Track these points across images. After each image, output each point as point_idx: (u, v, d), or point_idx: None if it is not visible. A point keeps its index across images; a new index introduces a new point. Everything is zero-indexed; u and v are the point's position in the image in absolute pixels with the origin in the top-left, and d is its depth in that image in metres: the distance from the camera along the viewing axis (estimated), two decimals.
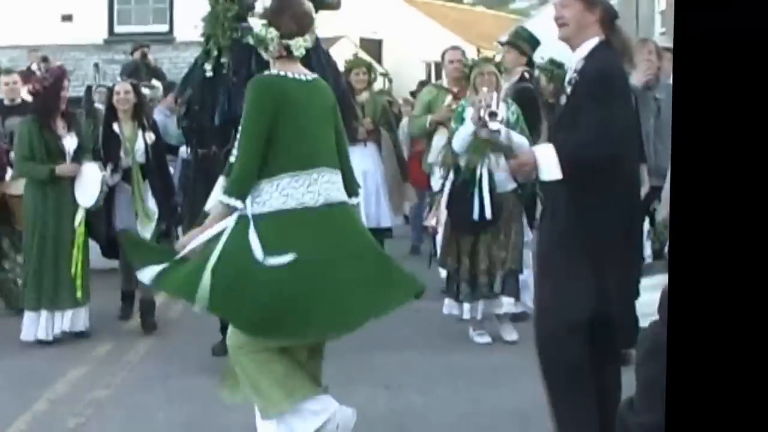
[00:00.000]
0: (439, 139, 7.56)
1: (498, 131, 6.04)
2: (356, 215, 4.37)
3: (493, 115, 5.99)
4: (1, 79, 8.85)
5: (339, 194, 4.17)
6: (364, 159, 8.12)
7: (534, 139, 6.29)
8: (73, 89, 7.47)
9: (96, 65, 15.26)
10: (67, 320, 6.80)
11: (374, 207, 8.32)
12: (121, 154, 7.06)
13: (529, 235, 6.62)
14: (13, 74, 9.13)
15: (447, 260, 6.61)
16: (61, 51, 15.35)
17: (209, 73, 5.96)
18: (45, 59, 13.27)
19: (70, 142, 6.86)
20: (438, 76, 26.63)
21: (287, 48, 4.16)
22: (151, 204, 7.05)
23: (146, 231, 6.94)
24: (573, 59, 4.19)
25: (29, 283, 6.81)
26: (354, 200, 4.31)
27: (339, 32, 24.76)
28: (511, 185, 6.47)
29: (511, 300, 6.44)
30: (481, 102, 6.08)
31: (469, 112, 6.30)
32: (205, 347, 6.07)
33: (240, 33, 5.65)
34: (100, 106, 10.38)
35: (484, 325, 6.66)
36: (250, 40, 4.34)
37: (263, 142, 4.05)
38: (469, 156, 6.42)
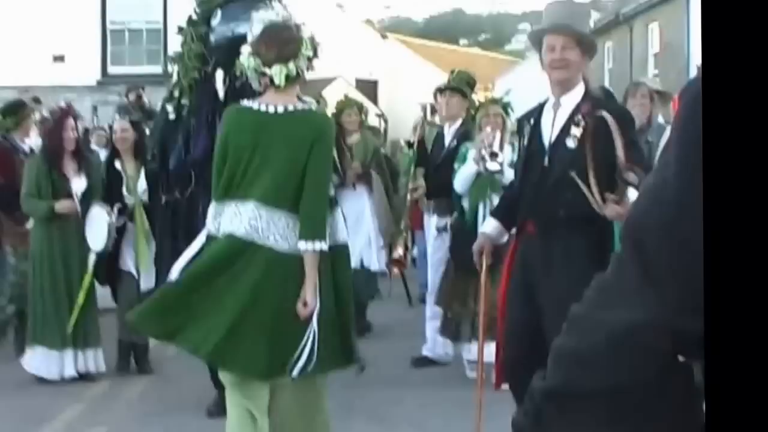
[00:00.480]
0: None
1: (499, 171, 6.01)
2: (265, 256, 3.96)
3: (493, 155, 5.98)
4: None
5: (239, 228, 3.94)
6: (353, 202, 8.13)
7: None
8: None
9: (95, 108, 15.19)
10: (99, 359, 6.82)
11: (364, 250, 8.22)
12: (124, 192, 6.99)
13: None
14: None
15: (450, 302, 6.56)
16: (53, 92, 15.24)
17: (171, 115, 5.71)
18: (37, 100, 13.15)
19: (78, 184, 6.79)
20: (434, 116, 26.61)
21: (270, 77, 4.02)
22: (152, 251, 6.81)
23: (147, 274, 6.70)
24: (564, 102, 4.24)
25: (48, 322, 6.70)
26: (308, 245, 3.92)
27: (335, 73, 24.75)
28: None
29: None
30: (483, 142, 6.04)
31: (472, 153, 6.29)
32: (202, 384, 5.99)
33: (202, 74, 5.48)
34: (96, 148, 10.26)
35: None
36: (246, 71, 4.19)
37: (214, 174, 4.11)
38: (471, 196, 6.41)
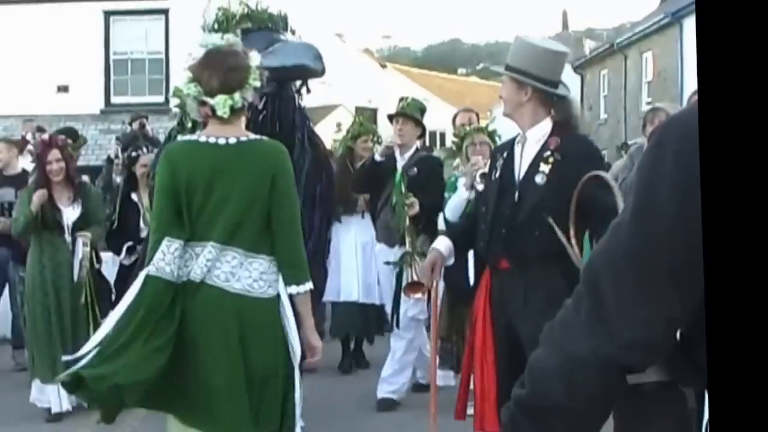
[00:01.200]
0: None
1: None
2: (218, 297, 3.56)
3: (484, 176, 5.96)
4: None
5: (198, 271, 3.54)
6: (361, 231, 7.96)
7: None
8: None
9: (117, 138, 15.27)
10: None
11: (373, 285, 7.93)
12: (141, 224, 6.96)
13: None
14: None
15: (449, 333, 6.54)
16: (56, 121, 15.37)
17: None
18: (40, 129, 13.28)
19: (71, 214, 6.68)
20: (433, 144, 26.78)
21: (212, 108, 3.61)
22: None
23: None
24: (530, 135, 4.16)
25: (40, 354, 6.60)
26: (298, 289, 3.63)
27: (335, 101, 24.96)
28: None
29: None
30: (474, 166, 6.04)
31: (461, 182, 6.22)
32: None
33: None
34: (119, 179, 10.35)
35: None
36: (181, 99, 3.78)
37: (161, 208, 3.62)
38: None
